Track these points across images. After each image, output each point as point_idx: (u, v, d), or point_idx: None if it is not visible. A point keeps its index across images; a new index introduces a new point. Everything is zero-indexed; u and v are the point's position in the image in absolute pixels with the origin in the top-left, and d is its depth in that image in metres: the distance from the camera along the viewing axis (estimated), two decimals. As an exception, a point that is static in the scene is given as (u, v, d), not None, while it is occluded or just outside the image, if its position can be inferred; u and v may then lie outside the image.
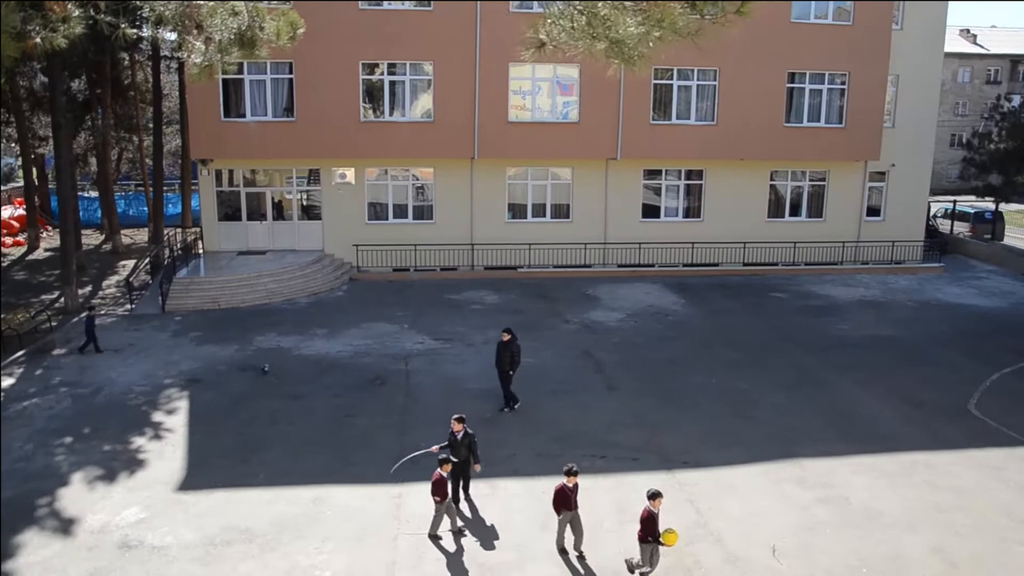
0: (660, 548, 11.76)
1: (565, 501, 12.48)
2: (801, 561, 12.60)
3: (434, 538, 13.07)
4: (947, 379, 20.72)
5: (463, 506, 14.21)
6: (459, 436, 14.00)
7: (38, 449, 16.29)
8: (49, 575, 12.11)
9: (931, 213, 40.19)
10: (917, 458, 16.14)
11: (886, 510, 14.11)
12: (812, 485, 15.01)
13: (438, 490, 12.87)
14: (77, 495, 14.48)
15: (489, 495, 14.54)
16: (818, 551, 12.87)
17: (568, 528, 12.75)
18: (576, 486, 12.56)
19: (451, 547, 12.90)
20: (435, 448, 14.06)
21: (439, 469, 12.93)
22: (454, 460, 13.74)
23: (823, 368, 21.45)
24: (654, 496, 11.73)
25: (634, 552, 12.13)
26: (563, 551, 12.76)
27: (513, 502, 14.29)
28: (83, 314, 22.29)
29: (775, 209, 34.11)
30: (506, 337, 18.14)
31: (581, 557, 12.64)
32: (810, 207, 34.31)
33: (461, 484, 14.32)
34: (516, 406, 18.32)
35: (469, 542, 13.02)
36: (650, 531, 11.57)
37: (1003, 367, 21.65)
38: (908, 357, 22.48)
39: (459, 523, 13.45)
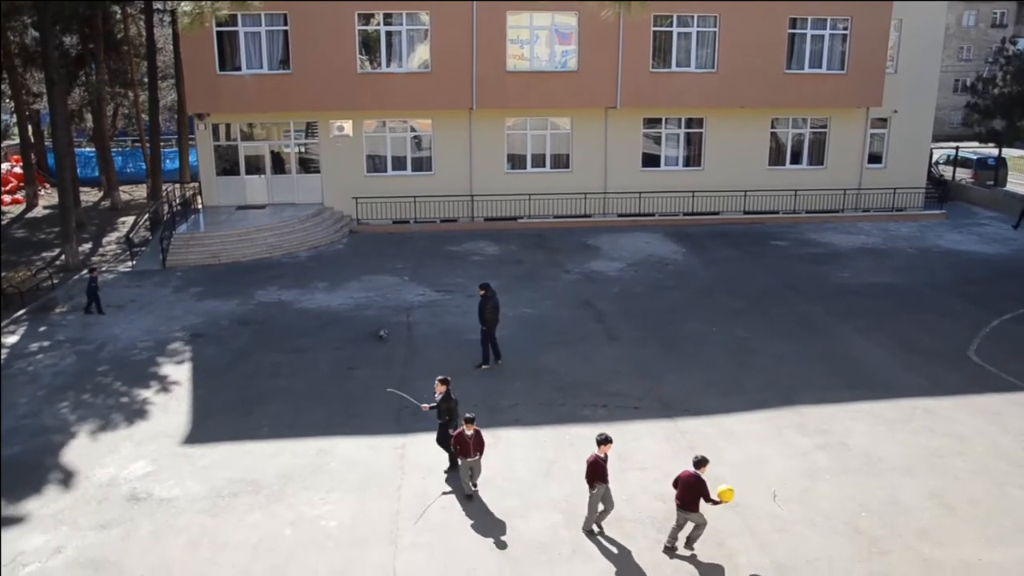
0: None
1: (602, 472, 11.70)
2: (801, 506, 12.76)
3: (467, 497, 13.03)
4: (947, 326, 20.77)
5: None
6: (438, 398, 13.71)
7: (44, 405, 16.42)
8: (61, 527, 12.29)
9: (933, 160, 39.92)
10: (916, 404, 16.25)
11: (885, 456, 14.24)
12: (812, 431, 15.14)
13: (460, 448, 12.80)
14: (84, 450, 14.63)
15: (492, 444, 14.64)
16: (817, 496, 13.02)
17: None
18: (607, 456, 11.86)
19: (451, 502, 13.04)
20: (424, 407, 13.87)
21: (463, 427, 12.80)
22: (439, 422, 13.68)
23: (824, 316, 21.50)
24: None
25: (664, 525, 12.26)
26: (591, 532, 12.10)
27: (515, 451, 14.42)
28: (84, 273, 22.21)
29: (776, 157, 33.90)
30: (482, 292, 18.02)
31: (601, 533, 12.07)
32: (811, 155, 34.08)
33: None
34: (498, 362, 18.20)
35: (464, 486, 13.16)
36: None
37: (1003, 313, 21.69)
38: (908, 304, 22.51)
39: (471, 487, 13.10)
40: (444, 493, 13.19)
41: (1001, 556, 11.54)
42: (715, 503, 11.35)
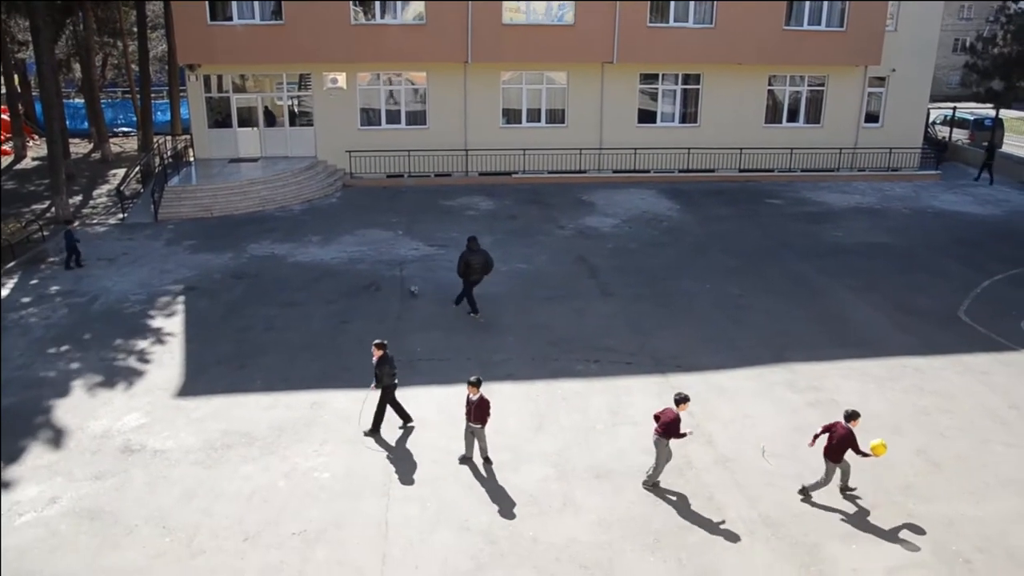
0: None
1: (676, 430, 11.81)
2: (789, 461, 12.90)
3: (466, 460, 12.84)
4: (939, 286, 20.85)
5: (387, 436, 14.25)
6: (375, 361, 13.38)
7: (37, 358, 16.42)
8: (56, 478, 12.36)
9: (930, 120, 39.72)
10: (906, 363, 16.37)
11: (874, 413, 14.36)
12: (803, 389, 15.26)
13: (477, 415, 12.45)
14: (78, 402, 14.67)
15: (484, 399, 14.76)
16: (807, 452, 13.11)
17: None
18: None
19: (450, 453, 13.14)
20: (374, 385, 13.49)
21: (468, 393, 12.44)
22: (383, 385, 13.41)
23: (817, 274, 21.55)
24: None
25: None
26: (655, 485, 12.24)
27: (508, 405, 14.51)
28: (72, 226, 22.09)
29: (772, 115, 33.67)
30: (470, 245, 17.94)
31: (657, 486, 12.25)
32: (808, 113, 33.86)
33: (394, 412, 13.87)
34: (475, 315, 18.21)
35: (462, 444, 13.23)
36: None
37: (994, 274, 21.77)
38: (901, 264, 22.56)
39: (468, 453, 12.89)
40: (400, 427, 13.27)
41: (983, 511, 11.73)
42: (865, 456, 11.63)
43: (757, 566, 10.57)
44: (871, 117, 34.22)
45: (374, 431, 13.60)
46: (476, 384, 12.38)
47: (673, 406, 11.91)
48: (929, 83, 34.38)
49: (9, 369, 15.86)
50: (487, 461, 12.75)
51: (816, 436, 11.90)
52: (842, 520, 11.48)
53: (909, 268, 22.22)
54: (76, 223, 22.20)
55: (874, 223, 26.83)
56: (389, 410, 13.65)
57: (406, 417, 13.84)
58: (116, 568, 10.46)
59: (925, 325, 18.28)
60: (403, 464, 12.78)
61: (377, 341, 13.40)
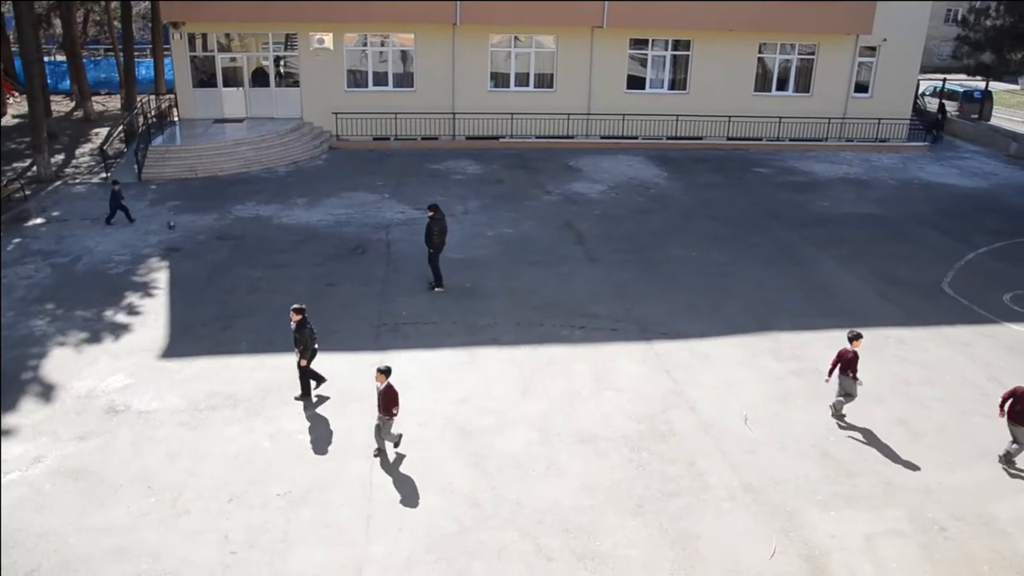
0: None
1: (854, 364, 12.97)
2: (771, 429, 13.03)
3: (379, 452, 12.18)
4: (923, 257, 20.97)
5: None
6: (293, 327, 13.16)
7: (20, 317, 16.30)
8: (41, 437, 12.34)
9: (919, 92, 39.67)
10: (889, 333, 16.50)
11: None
12: (786, 358, 15.37)
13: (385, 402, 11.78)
14: (62, 362, 14.60)
15: (469, 363, 14.80)
16: (788, 420, 13.29)
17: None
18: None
19: (434, 416, 13.18)
20: (299, 358, 13.32)
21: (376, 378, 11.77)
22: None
23: (803, 244, 21.62)
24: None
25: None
26: (841, 417, 13.36)
27: (493, 369, 14.55)
28: (111, 186, 21.64)
29: (762, 83, 33.56)
30: (431, 214, 17.55)
31: (844, 418, 13.32)
32: (797, 82, 33.76)
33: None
34: (434, 289, 17.86)
35: (450, 408, 13.30)
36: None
37: (979, 247, 21.91)
38: (886, 235, 22.66)
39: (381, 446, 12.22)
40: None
41: (959, 480, 11.89)
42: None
43: (737, 531, 10.71)
44: (860, 87, 34.16)
45: (305, 396, 13.54)
46: (385, 372, 11.71)
47: (848, 344, 13.02)
48: (920, 54, 34.32)
49: (-9, 328, 15.77)
50: (380, 453, 12.13)
51: (1003, 403, 12.17)
52: (821, 487, 11.63)
53: (894, 239, 22.32)
54: (119, 182, 21.63)
55: (860, 194, 26.89)
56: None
57: (319, 379, 13.64)
58: (101, 527, 10.48)
59: (909, 296, 18.40)
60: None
61: (296, 306, 13.18)
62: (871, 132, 33.80)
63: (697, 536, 10.60)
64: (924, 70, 41.56)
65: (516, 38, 31.68)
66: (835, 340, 15.96)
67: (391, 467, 11.84)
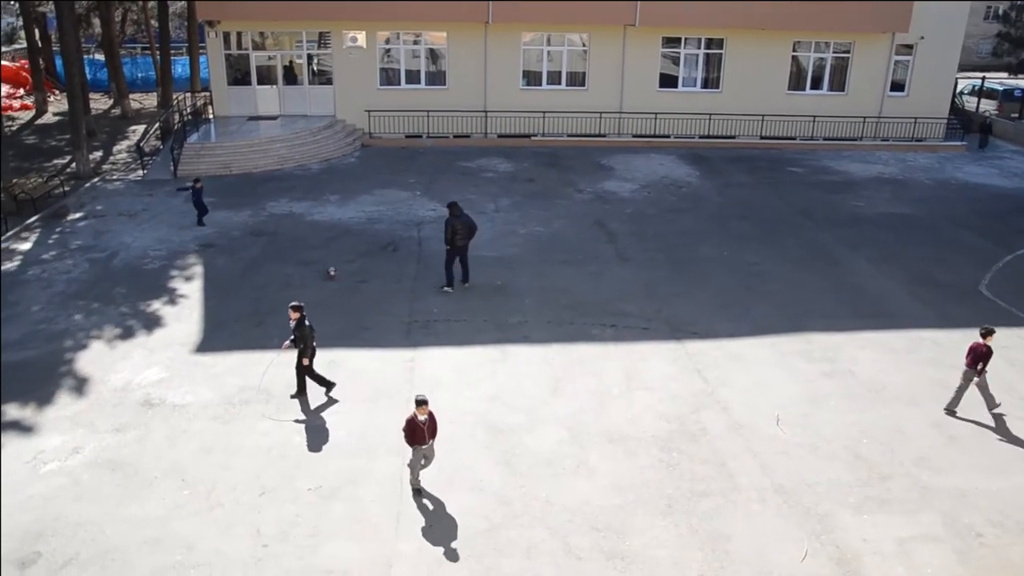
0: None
1: (987, 359, 13.08)
2: (804, 430, 12.92)
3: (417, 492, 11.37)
4: (960, 259, 20.66)
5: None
6: (292, 325, 13.06)
7: (59, 311, 16.60)
8: (78, 429, 12.56)
9: (957, 90, 39.06)
10: (924, 335, 16.29)
11: (890, 385, 14.35)
12: (818, 359, 15.23)
13: (411, 435, 10.93)
14: (99, 355, 14.84)
15: (500, 361, 14.84)
16: (821, 422, 13.18)
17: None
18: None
19: (465, 414, 13.23)
20: (285, 344, 13.35)
21: (414, 412, 10.86)
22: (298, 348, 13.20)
23: (836, 244, 21.40)
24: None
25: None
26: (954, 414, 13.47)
27: (523, 368, 14.58)
28: (189, 184, 21.81)
29: (796, 82, 33.24)
30: (452, 212, 17.48)
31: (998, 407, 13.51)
32: (832, 80, 33.40)
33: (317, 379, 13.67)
34: (464, 284, 17.84)
35: (481, 406, 13.34)
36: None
37: (1017, 249, 21.54)
38: (922, 236, 22.36)
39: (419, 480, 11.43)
40: (297, 420, 12.98)
41: (996, 485, 11.72)
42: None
43: (768, 532, 10.65)
44: (896, 86, 33.71)
45: (300, 394, 13.60)
46: (424, 403, 10.82)
47: (980, 339, 13.16)
48: (958, 52, 33.80)
49: (31, 322, 16.06)
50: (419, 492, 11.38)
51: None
52: (854, 490, 11.51)
53: (930, 240, 22.02)
54: (199, 181, 21.76)
55: (896, 194, 26.55)
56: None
57: (328, 384, 13.58)
58: (136, 518, 10.65)
59: (945, 298, 18.15)
60: (418, 424, 12.87)
61: (294, 304, 13.16)
62: (907, 131, 33.34)
63: (727, 537, 10.55)
64: (962, 68, 40.90)
65: (548, 38, 31.66)
66: (868, 342, 15.86)
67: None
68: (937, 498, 11.40)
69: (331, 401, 13.46)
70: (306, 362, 13.28)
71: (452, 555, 10.15)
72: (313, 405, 13.35)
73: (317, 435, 12.56)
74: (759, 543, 10.46)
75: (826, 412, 13.46)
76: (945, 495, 11.46)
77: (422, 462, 11.25)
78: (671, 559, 10.15)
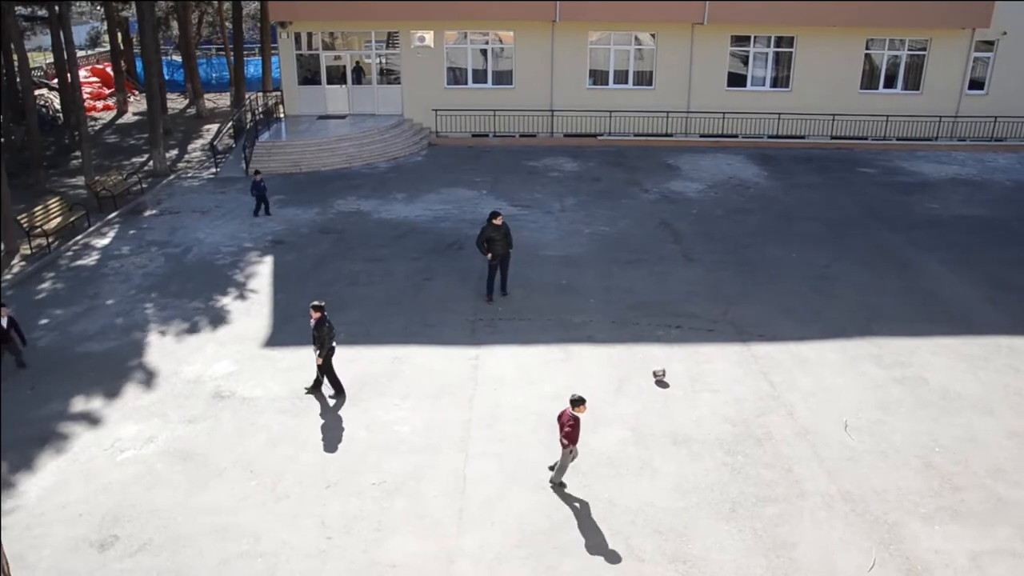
0: None
1: None
2: (873, 438, 12.63)
3: (559, 486, 11.51)
4: (1041, 262, 19.95)
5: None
6: (312, 324, 13.23)
7: (135, 305, 17.15)
8: (153, 419, 12.97)
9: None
10: (1000, 342, 15.77)
11: (964, 392, 13.93)
12: (889, 364, 14.86)
13: (575, 434, 10.97)
14: (172, 348, 15.29)
15: (564, 360, 14.84)
16: (891, 429, 12.86)
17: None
18: None
19: (528, 412, 13.28)
20: (316, 353, 13.39)
21: (573, 410, 10.91)
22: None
23: (908, 247, 20.85)
24: None
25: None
26: None
27: (587, 368, 14.55)
28: (254, 177, 22.50)
29: (868, 80, 32.43)
30: (498, 221, 16.73)
31: None
32: (906, 79, 32.50)
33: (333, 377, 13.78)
34: (503, 295, 17.49)
35: (544, 404, 13.35)
36: None
37: (1103, 251, 20.71)
38: (999, 239, 21.62)
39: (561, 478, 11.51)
40: (331, 396, 13.61)
41: (1079, 498, 11.30)
42: None
43: (834, 541, 10.44)
44: (975, 84, 32.65)
45: (315, 389, 13.80)
46: (584, 402, 10.94)
47: None
48: (1042, 48, 32.57)
49: (109, 315, 16.63)
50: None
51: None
52: (925, 500, 11.22)
53: (1007, 243, 21.28)
54: (260, 172, 22.50)
55: (972, 195, 25.74)
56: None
57: (340, 389, 13.69)
58: (205, 507, 10.96)
59: (1022, 303, 17.53)
60: (482, 421, 12.96)
61: (315, 303, 13.24)
62: (986, 131, 32.27)
63: (792, 544, 10.38)
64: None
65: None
66: (941, 348, 15.42)
67: (484, 461, 11.97)
68: (1014, 511, 11.02)
69: (394, 398, 13.62)
70: (320, 360, 13.35)
71: (513, 553, 10.19)
72: (376, 402, 13.53)
73: (381, 430, 12.73)
74: (825, 551, 10.26)
75: (896, 419, 13.13)
76: (1022, 508, 11.08)
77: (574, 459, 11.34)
78: (734, 564, 10.03)
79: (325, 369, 13.54)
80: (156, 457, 12.03)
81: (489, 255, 16.87)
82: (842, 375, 14.45)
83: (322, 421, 12.97)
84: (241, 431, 12.70)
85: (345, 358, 14.75)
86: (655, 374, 14.17)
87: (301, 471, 11.73)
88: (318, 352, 13.30)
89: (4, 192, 19.94)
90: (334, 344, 13.52)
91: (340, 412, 13.21)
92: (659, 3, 29.85)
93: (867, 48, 31.98)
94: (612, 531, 10.57)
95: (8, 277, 18.47)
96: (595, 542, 10.38)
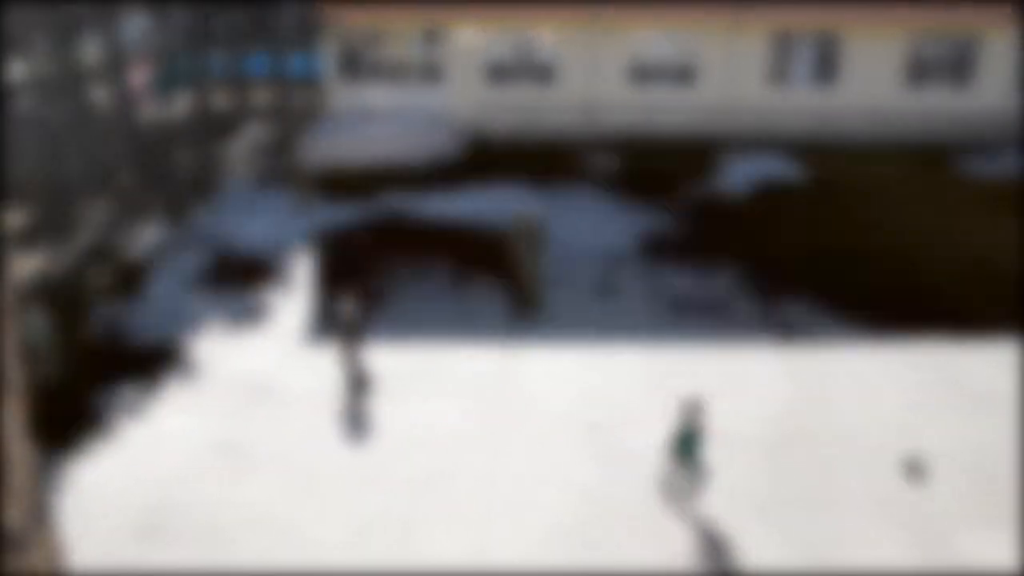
0: None
1: None
2: (916, 441, 12.37)
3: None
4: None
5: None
6: (347, 318, 13.79)
7: (181, 299, 17.48)
8: (194, 412, 13.25)
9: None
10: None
11: (1009, 396, 13.58)
12: (931, 367, 14.54)
13: None
14: (215, 342, 15.58)
15: (603, 358, 14.78)
16: (935, 433, 12.60)
17: None
18: None
19: (560, 416, 13.28)
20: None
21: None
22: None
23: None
24: None
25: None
26: None
27: (620, 367, 14.47)
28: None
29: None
30: None
31: None
32: None
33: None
34: None
35: (578, 404, 13.34)
36: None
37: None
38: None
39: None
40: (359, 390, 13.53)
41: None
42: None
43: (877, 545, 10.28)
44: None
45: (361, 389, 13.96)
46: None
47: None
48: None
49: (156, 310, 16.96)
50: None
51: None
52: (971, 505, 10.98)
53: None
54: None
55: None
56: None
57: (367, 385, 13.93)
58: (245, 499, 11.18)
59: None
60: (515, 420, 13.00)
61: (350, 296, 13.63)
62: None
63: (834, 546, 10.24)
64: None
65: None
66: (984, 351, 15.02)
67: (515, 459, 12.01)
68: (1059, 518, 10.76)
69: (429, 395, 13.73)
70: (354, 355, 13.60)
71: (542, 548, 10.23)
72: (412, 398, 13.64)
73: (415, 426, 12.84)
74: (867, 555, 10.12)
75: (940, 423, 12.87)
76: (1067, 514, 10.81)
77: None
78: (773, 565, 9.93)
79: (357, 364, 13.73)
80: (197, 449, 12.29)
81: None
82: (884, 377, 14.18)
83: (360, 417, 13.13)
84: (279, 425, 12.91)
85: (383, 353, 14.90)
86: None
87: (335, 465, 11.91)
88: (352, 347, 13.50)
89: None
90: (365, 339, 13.70)
91: (375, 407, 13.35)
92: (701, 4, 29.44)
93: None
94: (647, 528, 10.52)
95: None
96: (628, 539, 10.35)
